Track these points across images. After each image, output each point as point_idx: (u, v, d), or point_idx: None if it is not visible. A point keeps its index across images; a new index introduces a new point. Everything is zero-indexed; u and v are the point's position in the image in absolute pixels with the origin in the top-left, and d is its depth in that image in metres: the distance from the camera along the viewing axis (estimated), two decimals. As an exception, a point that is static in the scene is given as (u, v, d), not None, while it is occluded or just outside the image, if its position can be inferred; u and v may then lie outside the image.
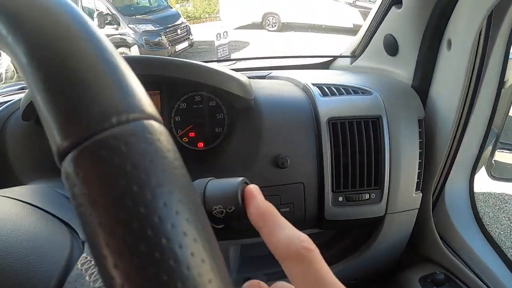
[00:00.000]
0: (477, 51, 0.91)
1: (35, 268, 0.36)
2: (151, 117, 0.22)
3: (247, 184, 0.38)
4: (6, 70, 6.02)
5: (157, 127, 0.22)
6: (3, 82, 5.66)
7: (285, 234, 0.30)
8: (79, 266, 0.36)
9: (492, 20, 0.89)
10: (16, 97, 1.09)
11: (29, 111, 0.92)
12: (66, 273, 0.36)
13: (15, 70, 6.26)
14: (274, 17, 9.26)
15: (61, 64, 0.21)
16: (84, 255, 0.38)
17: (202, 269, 0.20)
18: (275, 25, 9.31)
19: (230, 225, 0.39)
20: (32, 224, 0.43)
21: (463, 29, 0.90)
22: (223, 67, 0.93)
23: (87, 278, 0.34)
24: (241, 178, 0.38)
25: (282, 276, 0.86)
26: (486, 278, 0.95)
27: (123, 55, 1.02)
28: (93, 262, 0.35)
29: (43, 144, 1.01)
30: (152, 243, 0.19)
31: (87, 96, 0.21)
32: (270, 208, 0.32)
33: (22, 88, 1.36)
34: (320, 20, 8.94)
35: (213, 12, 10.93)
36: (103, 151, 0.20)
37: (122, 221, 0.19)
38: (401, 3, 1.04)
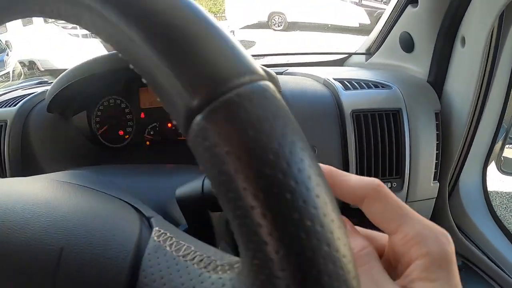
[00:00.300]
0: (489, 48, 0.95)
1: (110, 242, 0.37)
2: (266, 80, 0.24)
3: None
4: (13, 69, 6.09)
5: (274, 88, 0.24)
6: (10, 80, 5.70)
7: (356, 179, 0.32)
8: (155, 238, 0.37)
9: (504, 19, 0.94)
10: (38, 90, 1.13)
11: (56, 103, 0.97)
12: (140, 246, 0.37)
13: (22, 70, 6.30)
14: (280, 16, 9.28)
15: (185, 39, 0.23)
16: (157, 228, 0.39)
17: (324, 209, 0.22)
18: (281, 25, 9.33)
19: None
20: (94, 203, 0.44)
21: (476, 27, 0.95)
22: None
23: (167, 248, 0.35)
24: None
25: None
26: (502, 264, 1.00)
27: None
28: (168, 234, 0.37)
29: (68, 136, 1.05)
30: (283, 185, 0.21)
31: (211, 61, 0.23)
32: (329, 167, 0.34)
33: (40, 83, 1.42)
34: (326, 19, 8.95)
35: (219, 11, 10.95)
36: (232, 108, 0.22)
37: (255, 169, 0.21)
38: (417, 2, 1.08)
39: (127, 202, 0.47)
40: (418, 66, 1.15)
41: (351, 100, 0.99)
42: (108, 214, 0.43)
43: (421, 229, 0.29)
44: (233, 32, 6.63)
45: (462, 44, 1.00)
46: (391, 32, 1.23)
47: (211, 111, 0.22)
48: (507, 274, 0.97)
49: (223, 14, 10.56)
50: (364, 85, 1.04)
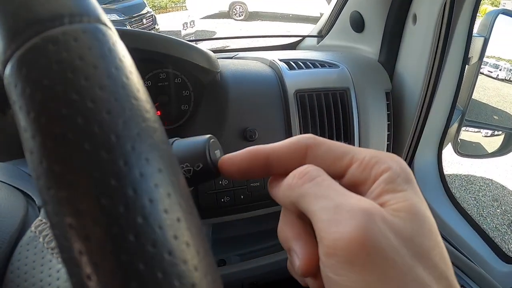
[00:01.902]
0: (441, 26, 0.91)
1: None
2: (106, 25, 0.20)
3: (215, 140, 0.37)
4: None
5: (112, 35, 0.20)
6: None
7: (289, 139, 0.31)
8: (33, 229, 0.34)
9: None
10: None
11: None
12: (19, 237, 0.34)
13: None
14: (241, 6, 9.20)
15: None
16: (39, 218, 0.35)
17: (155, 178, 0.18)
18: (242, 14, 9.24)
19: (199, 184, 0.38)
20: None
21: (428, 3, 0.91)
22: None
23: (40, 239, 0.32)
24: (208, 135, 0.37)
25: (255, 256, 0.85)
26: (460, 246, 0.97)
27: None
28: (48, 224, 0.33)
29: (4, 130, 0.96)
30: (100, 141, 0.17)
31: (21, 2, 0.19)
32: (256, 146, 0.31)
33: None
34: (287, 9, 8.95)
35: (179, 1, 10.76)
36: (50, 45, 0.18)
37: (65, 117, 0.17)
38: (367, -21, 1.04)
39: (20, 191, 0.43)
40: (369, 46, 1.11)
41: (295, 80, 0.93)
42: None
43: (374, 153, 0.28)
44: (194, 22, 6.50)
45: (414, 21, 0.97)
46: (341, 12, 1.19)
47: (17, 60, 0.18)
48: (465, 256, 0.95)
49: (183, 4, 10.40)
50: (310, 65, 0.99)
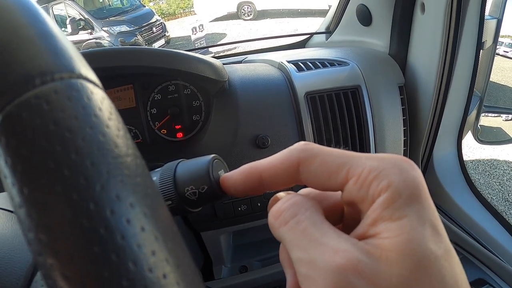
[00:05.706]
0: (451, 12, 0.89)
1: (3, 267, 0.34)
2: (81, 77, 0.20)
3: (219, 160, 0.37)
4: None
5: (88, 86, 0.20)
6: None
7: (279, 153, 0.28)
8: None
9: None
10: None
11: None
12: (34, 271, 0.34)
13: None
14: (249, 5, 9.17)
15: None
16: None
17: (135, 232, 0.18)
18: (250, 14, 9.21)
19: (206, 205, 0.37)
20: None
21: (435, -11, 0.88)
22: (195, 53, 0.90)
23: None
24: (212, 155, 0.36)
25: (276, 261, 0.84)
26: (483, 239, 0.94)
27: (91, 49, 0.97)
28: None
29: None
30: (79, 206, 0.17)
31: (7, 61, 0.19)
32: (247, 165, 0.30)
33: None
34: (295, 4, 8.89)
35: (187, 6, 10.79)
36: (24, 113, 0.18)
37: (45, 186, 0.17)
38: (370, -30, 1.01)
39: None
40: (378, 39, 1.08)
41: (304, 81, 0.91)
42: (9, 234, 0.39)
43: (375, 163, 0.24)
44: (203, 26, 6.52)
45: (422, 10, 0.94)
46: (348, 6, 1.16)
47: (2, 119, 0.18)
48: (488, 249, 0.92)
49: (192, 9, 10.44)
50: (319, 65, 0.97)
